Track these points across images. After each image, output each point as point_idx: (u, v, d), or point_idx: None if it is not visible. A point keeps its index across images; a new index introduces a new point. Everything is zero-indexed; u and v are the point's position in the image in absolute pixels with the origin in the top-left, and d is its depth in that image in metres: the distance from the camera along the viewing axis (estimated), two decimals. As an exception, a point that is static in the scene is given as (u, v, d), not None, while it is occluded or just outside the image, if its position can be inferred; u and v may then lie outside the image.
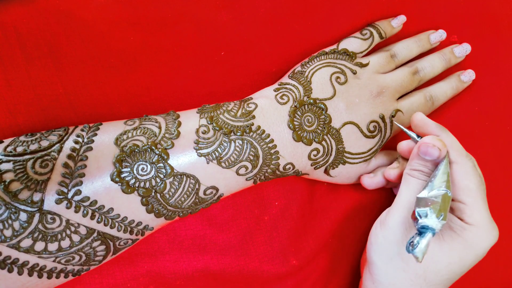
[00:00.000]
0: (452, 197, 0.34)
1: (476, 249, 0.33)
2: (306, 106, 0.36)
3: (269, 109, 0.36)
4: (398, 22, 0.43)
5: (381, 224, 0.36)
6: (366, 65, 0.40)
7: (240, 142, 0.34)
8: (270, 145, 0.35)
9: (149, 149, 0.31)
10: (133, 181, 0.31)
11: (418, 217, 0.30)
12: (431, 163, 0.35)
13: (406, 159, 0.39)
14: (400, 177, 0.38)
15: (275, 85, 0.38)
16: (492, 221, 0.34)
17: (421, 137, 0.36)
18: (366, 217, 0.44)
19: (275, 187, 0.41)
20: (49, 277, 0.30)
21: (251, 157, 0.34)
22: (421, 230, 0.30)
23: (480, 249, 0.33)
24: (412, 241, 0.30)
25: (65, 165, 0.29)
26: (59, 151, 0.30)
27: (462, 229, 0.33)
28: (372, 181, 0.40)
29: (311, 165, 0.37)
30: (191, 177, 0.32)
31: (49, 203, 0.28)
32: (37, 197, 0.28)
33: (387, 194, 0.44)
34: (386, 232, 0.35)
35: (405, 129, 0.38)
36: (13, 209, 0.27)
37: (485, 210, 0.34)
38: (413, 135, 0.37)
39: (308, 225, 0.42)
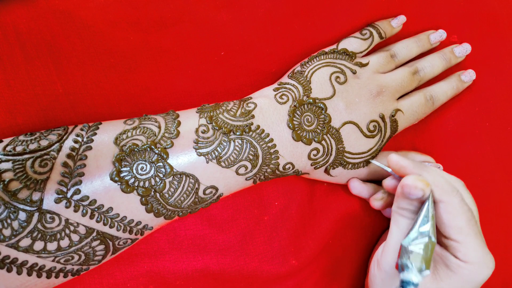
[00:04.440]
0: (445, 235, 0.33)
1: (472, 284, 0.33)
2: (305, 105, 0.36)
3: (268, 108, 0.36)
4: (398, 22, 0.43)
5: (378, 264, 0.36)
6: (366, 64, 0.40)
7: (240, 141, 0.34)
8: (269, 144, 0.35)
9: (148, 149, 0.31)
10: (132, 180, 0.31)
11: (400, 270, 0.30)
12: (417, 202, 0.34)
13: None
14: (384, 207, 0.39)
15: (275, 85, 0.38)
16: (487, 254, 0.33)
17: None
18: (366, 217, 0.44)
19: (275, 187, 0.41)
20: (48, 277, 0.30)
21: (251, 157, 0.34)
22: (403, 284, 0.30)
23: (476, 283, 0.33)
24: None
25: (65, 165, 0.29)
26: (59, 150, 0.30)
27: (457, 266, 0.33)
28: (360, 189, 0.40)
29: (311, 165, 0.37)
30: (191, 177, 0.32)
31: (48, 202, 0.28)
32: (36, 196, 0.28)
33: (387, 194, 0.44)
34: (383, 275, 0.35)
35: (386, 168, 0.38)
36: (12, 209, 0.27)
37: (479, 246, 0.33)
38: (392, 172, 0.37)
39: (307, 225, 0.42)
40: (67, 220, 0.29)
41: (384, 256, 0.35)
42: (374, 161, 0.39)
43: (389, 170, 0.38)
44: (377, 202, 0.40)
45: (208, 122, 0.34)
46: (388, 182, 0.37)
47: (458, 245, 0.33)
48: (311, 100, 0.37)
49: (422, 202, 0.34)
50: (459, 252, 0.33)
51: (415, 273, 0.30)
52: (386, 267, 0.35)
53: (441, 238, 0.34)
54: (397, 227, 0.35)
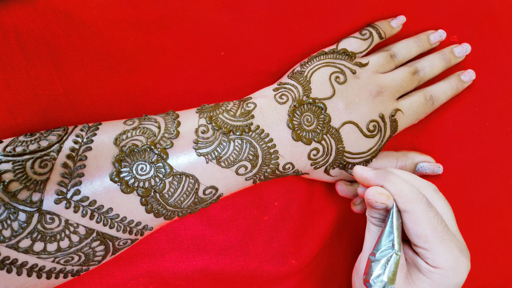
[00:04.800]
0: (414, 243, 0.33)
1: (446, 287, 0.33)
2: (305, 105, 0.36)
3: (268, 108, 0.36)
4: (397, 23, 0.43)
5: (356, 271, 0.37)
6: (366, 65, 0.39)
7: (239, 141, 0.34)
8: (269, 144, 0.35)
9: (148, 149, 0.31)
10: (132, 181, 0.31)
11: (367, 285, 0.31)
12: (383, 211, 0.34)
13: None
14: (363, 211, 0.39)
15: (274, 85, 0.38)
16: (458, 258, 0.33)
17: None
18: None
19: (274, 187, 0.41)
20: (48, 278, 0.30)
21: (251, 157, 0.34)
22: None
23: (450, 287, 0.33)
24: None
25: (64, 165, 0.29)
26: (58, 151, 0.30)
27: (429, 271, 0.33)
28: (346, 190, 0.40)
29: (311, 165, 0.37)
30: (191, 177, 0.32)
31: (48, 203, 0.28)
32: (36, 197, 0.28)
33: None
34: (360, 281, 0.36)
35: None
36: (12, 209, 0.27)
37: (448, 251, 0.32)
38: None
39: (307, 225, 0.42)
40: (67, 220, 0.29)
41: (360, 264, 0.36)
42: (349, 171, 0.39)
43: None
44: (355, 206, 0.40)
45: (208, 122, 0.34)
46: (360, 190, 0.37)
47: (427, 252, 0.32)
48: (310, 100, 0.37)
49: (389, 211, 0.34)
50: (428, 259, 0.33)
51: None
52: (361, 273, 0.35)
53: (411, 244, 0.34)
54: (370, 235, 0.35)
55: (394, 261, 0.31)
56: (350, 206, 0.41)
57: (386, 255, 0.31)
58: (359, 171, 0.36)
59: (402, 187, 0.33)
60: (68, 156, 0.30)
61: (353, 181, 0.41)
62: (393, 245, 0.32)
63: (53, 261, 0.29)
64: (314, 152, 0.37)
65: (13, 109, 0.33)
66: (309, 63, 0.39)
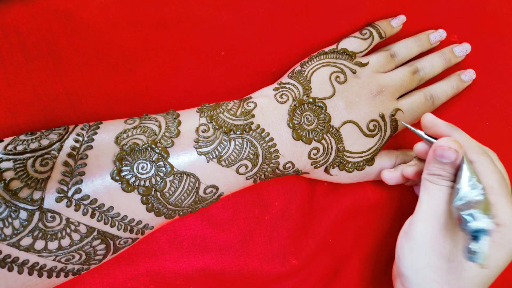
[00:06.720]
0: None
1: (507, 248, 0.32)
2: (305, 105, 0.37)
3: (268, 108, 0.36)
4: (398, 22, 0.43)
5: (405, 235, 0.35)
6: (366, 64, 0.40)
7: (240, 141, 0.34)
8: (269, 143, 0.35)
9: (149, 148, 0.31)
10: (133, 179, 0.31)
11: (467, 222, 0.28)
12: (449, 166, 0.33)
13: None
14: (417, 174, 0.38)
15: (275, 85, 0.38)
16: None
17: (433, 137, 0.36)
18: (367, 217, 0.44)
19: (275, 186, 0.41)
20: (49, 276, 0.30)
21: (251, 156, 0.34)
22: (475, 234, 0.28)
23: (510, 247, 0.32)
24: (470, 249, 0.28)
25: (65, 164, 0.29)
26: (59, 149, 0.30)
27: None
28: (393, 176, 0.39)
29: (311, 164, 0.37)
30: (191, 176, 0.32)
31: (49, 201, 0.28)
32: (37, 195, 0.28)
33: (388, 194, 0.44)
34: (412, 244, 0.34)
35: (414, 129, 0.37)
36: (13, 208, 0.27)
37: (511, 207, 0.32)
38: (424, 135, 0.36)
39: (308, 224, 0.42)
40: (68, 219, 0.29)
41: (414, 224, 0.34)
42: (404, 123, 0.39)
43: (420, 133, 0.37)
44: (410, 168, 0.38)
45: (209, 121, 0.34)
46: (419, 146, 0.37)
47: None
48: (311, 100, 0.37)
49: (454, 167, 0.33)
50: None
51: (486, 220, 0.28)
52: (417, 234, 0.33)
53: None
54: (428, 194, 0.34)
55: (482, 199, 0.29)
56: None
57: (479, 194, 0.30)
58: (431, 117, 0.36)
59: (470, 139, 0.34)
60: (69, 155, 0.30)
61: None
62: (477, 184, 0.30)
63: (54, 260, 0.29)
64: (314, 151, 0.37)
65: (13, 109, 0.34)
66: (309, 62, 0.39)
